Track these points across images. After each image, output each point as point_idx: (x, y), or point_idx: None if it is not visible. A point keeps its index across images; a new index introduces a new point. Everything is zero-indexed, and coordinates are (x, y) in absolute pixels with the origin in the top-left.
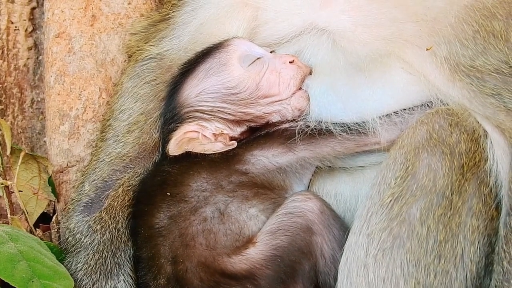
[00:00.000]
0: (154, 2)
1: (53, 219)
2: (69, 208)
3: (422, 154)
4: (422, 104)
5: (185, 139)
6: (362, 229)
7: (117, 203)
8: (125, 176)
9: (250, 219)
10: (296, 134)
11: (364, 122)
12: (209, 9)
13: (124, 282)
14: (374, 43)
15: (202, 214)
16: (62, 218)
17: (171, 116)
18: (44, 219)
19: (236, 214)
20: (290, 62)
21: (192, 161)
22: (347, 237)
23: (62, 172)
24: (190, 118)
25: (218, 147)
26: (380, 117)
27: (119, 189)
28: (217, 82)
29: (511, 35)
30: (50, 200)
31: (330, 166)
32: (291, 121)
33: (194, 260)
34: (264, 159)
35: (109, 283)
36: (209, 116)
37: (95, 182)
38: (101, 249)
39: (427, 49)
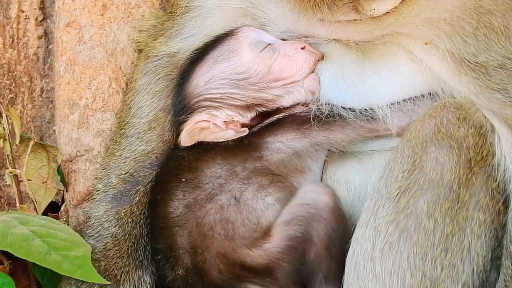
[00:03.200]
0: None
1: (62, 208)
2: (95, 198)
3: (429, 148)
4: (430, 94)
5: (196, 129)
6: (369, 222)
7: (147, 199)
8: (153, 173)
9: (267, 208)
10: (310, 120)
11: (373, 109)
12: (215, 14)
13: (150, 276)
14: (379, 39)
15: (218, 201)
16: (72, 207)
17: (181, 107)
18: (53, 208)
19: (252, 203)
20: (301, 48)
21: (206, 147)
22: (354, 230)
23: (71, 161)
24: (200, 107)
25: (229, 134)
26: (388, 104)
27: (147, 185)
28: (226, 68)
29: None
30: (59, 189)
31: (342, 151)
32: (303, 105)
33: (213, 251)
34: (279, 144)
35: (137, 273)
36: (219, 104)
37: (122, 176)
38: (132, 239)
39: (426, 43)
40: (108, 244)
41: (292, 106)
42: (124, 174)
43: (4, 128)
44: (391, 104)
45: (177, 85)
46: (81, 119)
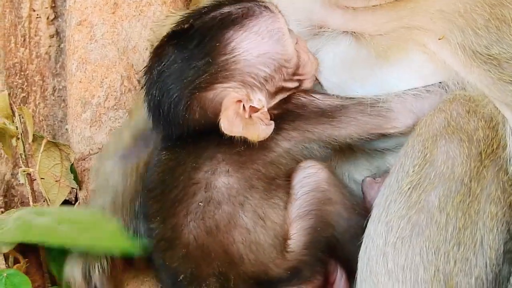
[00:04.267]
0: None
1: (75, 206)
2: (104, 154)
3: (440, 142)
4: (440, 91)
5: (238, 113)
6: (380, 217)
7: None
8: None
9: (278, 213)
10: (315, 115)
11: (380, 104)
12: None
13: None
14: (393, 32)
15: (243, 224)
16: (86, 205)
17: (213, 72)
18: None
19: (273, 217)
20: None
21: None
22: (366, 225)
23: (84, 159)
24: (239, 82)
25: (267, 130)
26: (397, 100)
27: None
28: (277, 49)
29: None
30: (72, 188)
31: (353, 150)
32: (309, 96)
33: (244, 275)
34: (287, 143)
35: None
36: (260, 85)
37: (134, 134)
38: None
39: (439, 39)
40: (112, 198)
41: (299, 94)
42: (137, 133)
43: (16, 127)
44: (400, 99)
45: (206, 40)
46: (94, 118)
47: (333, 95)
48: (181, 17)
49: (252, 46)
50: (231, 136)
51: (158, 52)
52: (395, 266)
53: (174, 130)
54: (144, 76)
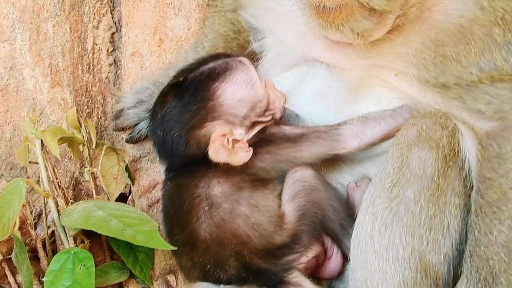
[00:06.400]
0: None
1: (129, 198)
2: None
3: (414, 149)
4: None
5: (222, 144)
6: (368, 209)
7: None
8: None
9: (272, 200)
10: (284, 141)
11: (333, 127)
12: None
13: None
14: (359, 69)
15: (243, 212)
16: (137, 197)
17: (203, 114)
18: (122, 199)
19: (264, 202)
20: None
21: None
22: (356, 217)
23: (135, 161)
24: (223, 120)
25: (247, 155)
26: (346, 123)
27: None
28: (251, 93)
29: (461, 57)
30: (127, 184)
31: (336, 159)
32: (278, 124)
33: (254, 249)
34: (261, 163)
35: None
36: (239, 122)
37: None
38: None
39: (395, 75)
40: None
41: (271, 125)
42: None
43: (83, 136)
44: (349, 126)
45: (197, 91)
46: None
47: (298, 125)
48: (178, 72)
49: (232, 93)
50: (217, 162)
51: (161, 100)
52: (380, 247)
53: (176, 160)
54: (150, 120)
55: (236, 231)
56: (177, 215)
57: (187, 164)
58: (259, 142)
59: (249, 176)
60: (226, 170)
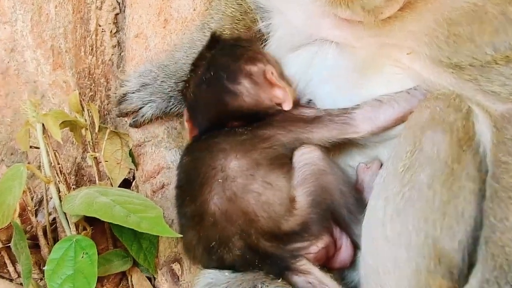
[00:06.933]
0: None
1: (133, 184)
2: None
3: (427, 132)
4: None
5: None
6: (380, 194)
7: None
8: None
9: (284, 182)
10: (300, 120)
11: (347, 110)
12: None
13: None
14: (370, 48)
15: (255, 190)
16: (141, 183)
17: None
18: (126, 184)
19: (278, 182)
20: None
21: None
22: (363, 202)
23: (140, 146)
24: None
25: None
26: (358, 106)
27: None
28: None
29: (475, 37)
30: (130, 169)
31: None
32: (295, 105)
33: (261, 230)
34: (280, 136)
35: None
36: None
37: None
38: None
39: (408, 54)
40: None
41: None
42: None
43: (85, 120)
44: (361, 110)
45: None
46: None
47: (314, 108)
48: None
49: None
50: (235, 131)
51: (196, 64)
52: (393, 233)
53: (214, 116)
54: (190, 77)
55: (245, 208)
56: (191, 187)
57: (205, 137)
58: (278, 119)
59: (266, 154)
60: (244, 145)
